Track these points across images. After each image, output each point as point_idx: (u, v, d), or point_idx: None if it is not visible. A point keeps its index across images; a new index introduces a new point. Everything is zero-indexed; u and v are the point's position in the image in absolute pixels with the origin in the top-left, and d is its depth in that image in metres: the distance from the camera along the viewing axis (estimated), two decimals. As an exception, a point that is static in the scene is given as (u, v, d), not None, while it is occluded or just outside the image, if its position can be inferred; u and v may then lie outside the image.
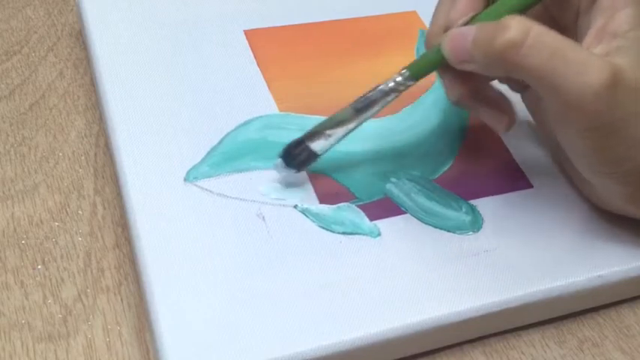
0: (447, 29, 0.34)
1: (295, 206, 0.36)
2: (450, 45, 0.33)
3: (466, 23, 0.33)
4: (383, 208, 0.36)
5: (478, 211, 0.37)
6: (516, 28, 0.30)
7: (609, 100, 0.30)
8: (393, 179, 0.38)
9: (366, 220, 0.36)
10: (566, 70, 0.30)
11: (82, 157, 0.40)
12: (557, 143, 0.35)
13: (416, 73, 0.35)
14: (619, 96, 0.30)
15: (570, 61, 0.30)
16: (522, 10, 0.33)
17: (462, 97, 0.35)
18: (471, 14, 0.34)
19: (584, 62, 0.30)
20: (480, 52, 0.31)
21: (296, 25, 0.45)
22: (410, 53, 0.44)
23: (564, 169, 0.38)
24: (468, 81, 0.34)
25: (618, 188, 0.34)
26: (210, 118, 0.39)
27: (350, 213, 0.36)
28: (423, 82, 0.35)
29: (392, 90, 0.35)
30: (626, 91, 0.30)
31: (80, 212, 0.37)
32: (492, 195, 0.37)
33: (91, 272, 0.35)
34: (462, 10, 0.34)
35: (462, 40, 0.32)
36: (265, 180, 0.37)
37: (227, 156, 0.37)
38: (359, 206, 0.36)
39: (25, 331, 0.33)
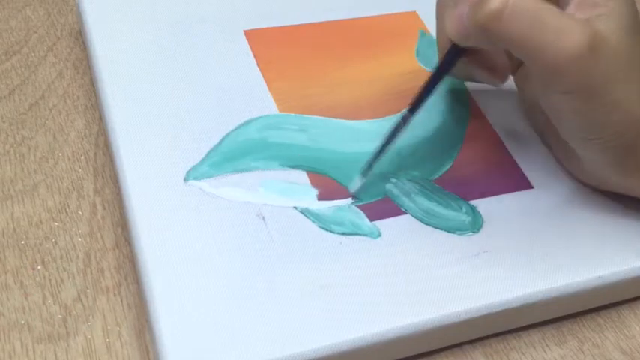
0: None
1: (295, 207, 0.36)
2: (450, 27, 0.33)
3: None
4: (383, 208, 0.36)
5: (478, 212, 0.37)
6: None
7: (588, 63, 0.30)
8: (393, 180, 0.38)
9: (366, 220, 0.36)
10: (545, 36, 0.30)
11: (82, 158, 0.40)
12: (543, 120, 0.36)
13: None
14: (598, 60, 0.30)
15: (549, 26, 0.30)
16: None
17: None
18: None
19: (563, 27, 0.30)
20: (470, 27, 0.32)
21: (296, 25, 0.45)
22: (410, 54, 0.44)
23: (551, 146, 0.39)
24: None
25: (601, 157, 0.34)
26: (210, 118, 0.39)
27: (350, 213, 0.36)
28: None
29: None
30: (605, 55, 0.31)
31: (80, 212, 0.37)
32: (492, 196, 0.37)
33: (91, 272, 0.35)
34: None
35: (459, 18, 0.32)
36: (265, 180, 0.37)
37: (227, 156, 0.37)
38: (359, 207, 0.36)
39: (24, 331, 0.33)
